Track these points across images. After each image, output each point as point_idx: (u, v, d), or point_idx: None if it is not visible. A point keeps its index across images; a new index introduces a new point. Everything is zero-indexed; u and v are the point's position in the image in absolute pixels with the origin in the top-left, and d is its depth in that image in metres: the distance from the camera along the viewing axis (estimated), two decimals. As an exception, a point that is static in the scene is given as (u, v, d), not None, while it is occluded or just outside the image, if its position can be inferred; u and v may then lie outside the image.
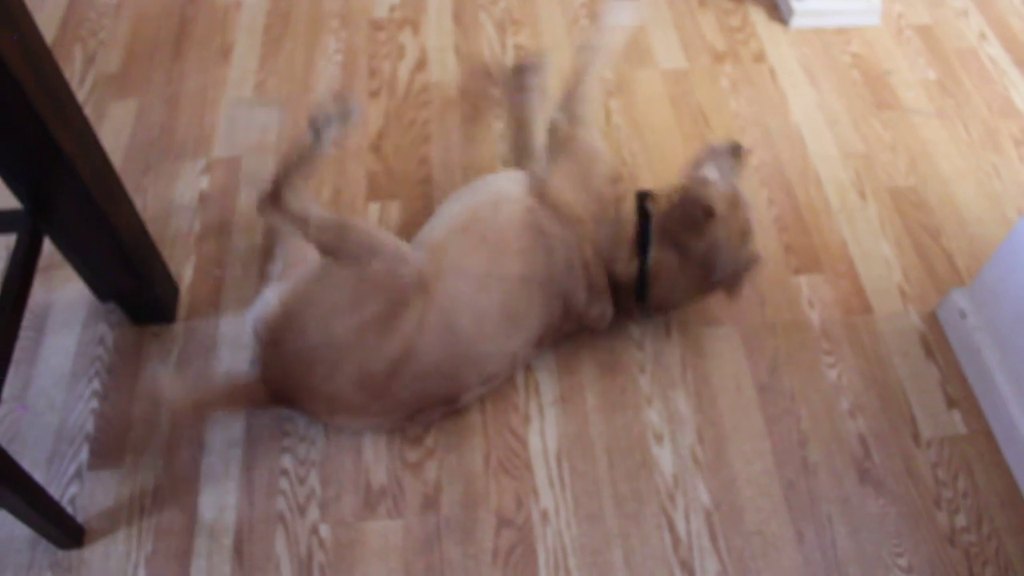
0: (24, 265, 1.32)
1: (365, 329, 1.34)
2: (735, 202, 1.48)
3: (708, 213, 1.43)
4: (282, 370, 1.37)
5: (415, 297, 1.36)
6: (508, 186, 1.50)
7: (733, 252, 1.47)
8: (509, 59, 2.08)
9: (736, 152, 1.54)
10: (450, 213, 1.49)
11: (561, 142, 1.57)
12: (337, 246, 1.35)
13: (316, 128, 1.40)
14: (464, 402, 1.47)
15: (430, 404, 1.43)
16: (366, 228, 1.39)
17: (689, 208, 1.45)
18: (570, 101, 1.62)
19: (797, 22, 2.18)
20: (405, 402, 1.40)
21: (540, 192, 1.49)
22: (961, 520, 1.43)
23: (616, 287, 1.51)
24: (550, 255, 1.44)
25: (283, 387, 1.39)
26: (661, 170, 1.87)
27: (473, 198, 1.49)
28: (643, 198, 1.51)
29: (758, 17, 2.22)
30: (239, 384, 1.46)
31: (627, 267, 1.49)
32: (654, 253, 1.47)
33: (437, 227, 1.47)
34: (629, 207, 1.51)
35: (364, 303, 1.34)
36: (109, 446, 1.47)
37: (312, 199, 1.40)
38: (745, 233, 1.49)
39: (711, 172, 1.52)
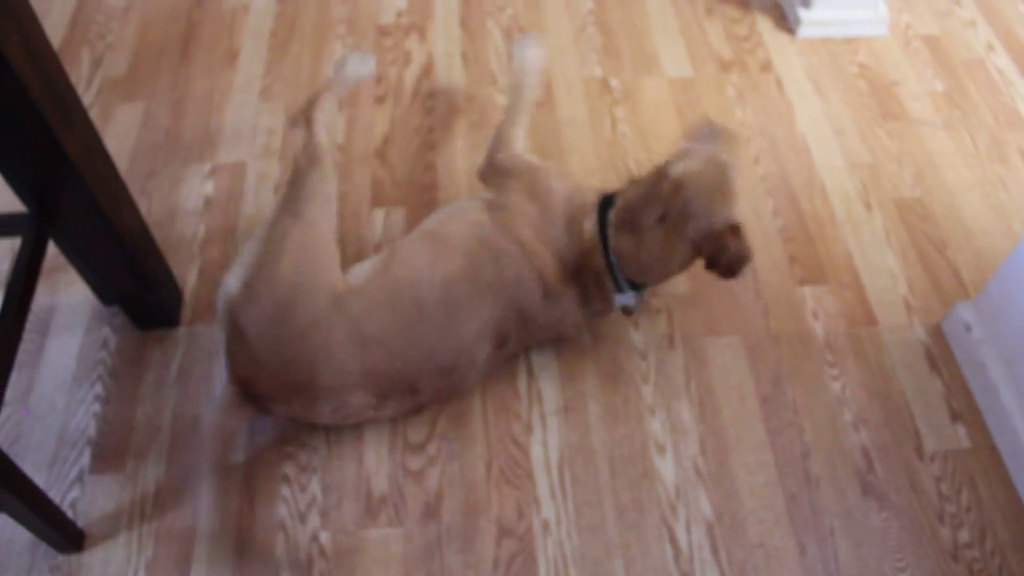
0: (28, 268, 1.32)
1: (303, 271, 1.38)
2: (712, 161, 1.43)
3: (673, 184, 1.38)
4: (245, 352, 1.35)
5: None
6: (462, 207, 1.53)
7: (706, 206, 1.38)
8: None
9: (719, 134, 1.51)
10: (419, 226, 1.54)
11: (498, 170, 1.58)
12: (299, 173, 1.51)
13: (342, 62, 1.76)
14: (426, 395, 1.44)
15: (389, 388, 1.39)
16: (323, 178, 1.52)
17: (653, 182, 1.41)
18: (495, 142, 1.64)
19: (804, 32, 2.18)
20: (356, 373, 1.36)
21: (490, 208, 1.49)
22: (964, 535, 1.42)
23: (590, 287, 1.48)
24: (497, 264, 1.43)
25: (248, 372, 1.36)
26: (666, 179, 1.86)
27: (437, 214, 1.55)
28: (605, 201, 1.48)
29: (765, 26, 2.21)
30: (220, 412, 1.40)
31: (594, 262, 1.46)
32: (612, 235, 1.44)
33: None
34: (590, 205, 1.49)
35: (297, 245, 1.41)
36: (111, 450, 1.47)
37: (330, 128, 1.66)
38: (723, 190, 1.41)
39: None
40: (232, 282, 1.39)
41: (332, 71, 1.69)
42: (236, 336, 1.36)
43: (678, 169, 1.41)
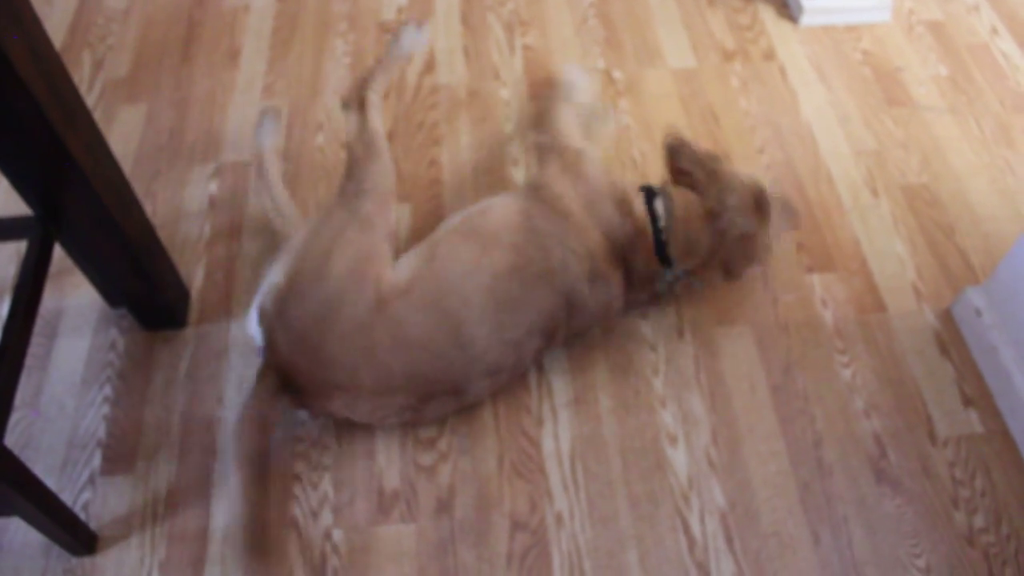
0: (35, 271, 1.32)
1: (354, 271, 1.37)
2: (758, 189, 1.54)
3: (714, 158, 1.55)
4: (287, 344, 1.34)
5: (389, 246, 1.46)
6: (500, 199, 1.53)
7: (742, 205, 1.51)
8: (518, 60, 2.07)
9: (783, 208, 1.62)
10: (447, 224, 1.52)
11: (545, 149, 1.59)
12: (357, 164, 1.50)
13: (397, 36, 1.73)
14: (472, 395, 1.44)
15: (432, 391, 1.39)
16: (382, 172, 1.50)
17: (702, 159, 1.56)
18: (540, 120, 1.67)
19: (807, 20, 2.17)
20: (399, 376, 1.35)
21: (533, 191, 1.50)
22: (979, 520, 1.41)
23: (636, 272, 1.51)
24: (545, 251, 1.42)
25: (288, 364, 1.35)
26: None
27: (468, 210, 1.53)
28: (647, 189, 1.56)
29: (767, 15, 2.21)
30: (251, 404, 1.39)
31: (644, 243, 1.50)
32: (666, 201, 1.53)
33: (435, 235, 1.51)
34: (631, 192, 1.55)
35: (350, 243, 1.40)
36: (121, 452, 1.47)
37: (380, 110, 1.63)
38: (760, 207, 1.53)
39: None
40: (277, 272, 1.38)
41: (388, 48, 1.71)
42: (281, 327, 1.35)
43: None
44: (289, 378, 1.36)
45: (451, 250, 1.43)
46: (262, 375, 1.37)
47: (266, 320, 1.37)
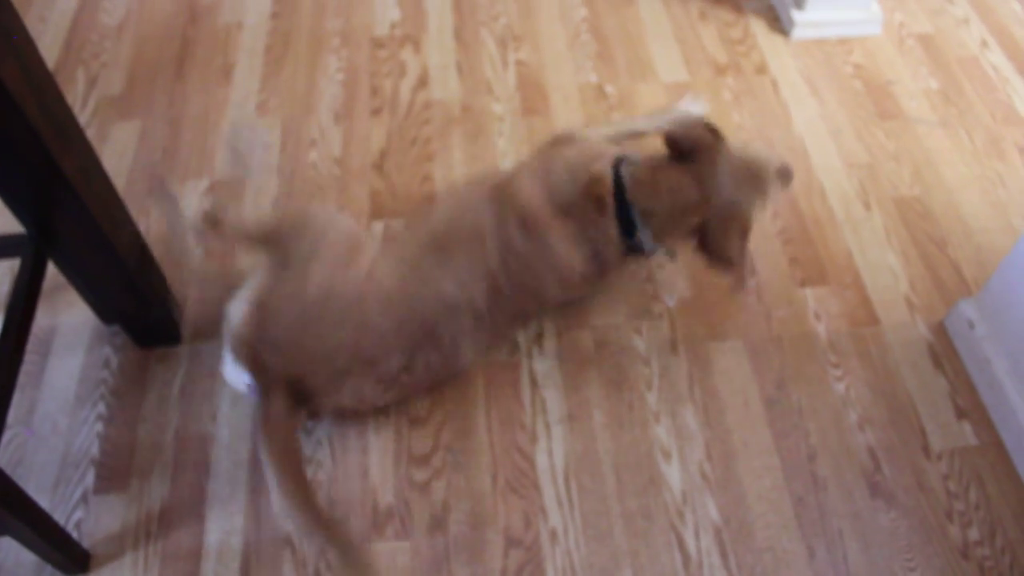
0: (28, 289, 1.32)
1: (332, 274, 1.41)
2: (766, 161, 1.51)
3: (712, 133, 1.47)
4: (281, 359, 1.36)
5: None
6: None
7: (734, 181, 1.46)
8: (511, 75, 2.08)
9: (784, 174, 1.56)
10: None
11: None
12: (278, 239, 1.46)
13: (234, 150, 1.66)
14: (447, 342, 1.44)
15: (415, 341, 1.41)
16: (294, 210, 1.55)
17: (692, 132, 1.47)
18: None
19: (798, 33, 2.18)
20: (391, 334, 1.39)
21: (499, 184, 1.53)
22: (974, 533, 1.41)
23: (588, 220, 1.47)
24: (475, 212, 1.48)
25: (290, 378, 1.36)
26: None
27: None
28: (619, 161, 1.51)
29: (759, 29, 2.22)
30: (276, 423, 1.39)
31: (598, 191, 1.47)
32: (630, 169, 1.48)
33: None
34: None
35: (323, 255, 1.43)
36: (115, 470, 1.47)
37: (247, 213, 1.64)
38: (757, 186, 1.49)
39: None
40: (239, 307, 1.39)
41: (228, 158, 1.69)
42: (269, 349, 1.36)
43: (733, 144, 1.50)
44: (296, 390, 1.37)
45: (433, 216, 1.53)
46: (268, 402, 1.36)
47: (249, 352, 1.37)
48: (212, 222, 1.53)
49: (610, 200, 1.45)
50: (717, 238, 1.46)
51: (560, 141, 1.63)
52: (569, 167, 1.50)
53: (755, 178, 1.48)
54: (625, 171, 1.47)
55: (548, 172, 1.50)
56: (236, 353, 1.38)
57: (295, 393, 1.37)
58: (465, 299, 1.43)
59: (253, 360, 1.37)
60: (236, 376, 1.40)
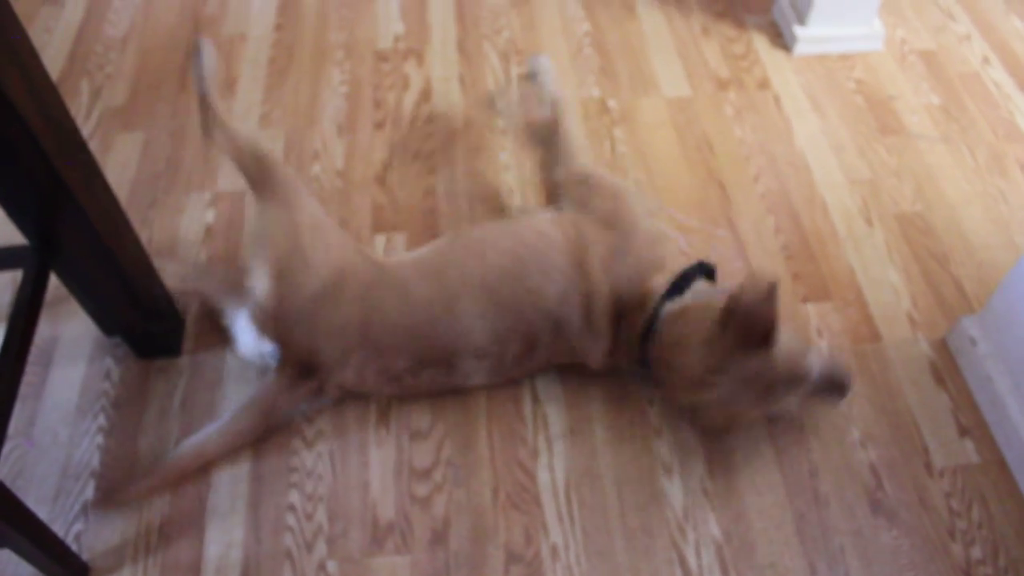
0: (31, 301, 1.32)
1: (347, 254, 1.46)
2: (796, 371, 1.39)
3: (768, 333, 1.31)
4: (295, 330, 1.43)
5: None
6: (542, 216, 1.56)
7: (755, 384, 1.36)
8: (513, 89, 2.08)
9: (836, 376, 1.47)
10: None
11: (580, 183, 1.60)
12: (264, 181, 1.49)
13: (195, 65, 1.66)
14: (460, 374, 1.48)
15: (428, 356, 1.45)
16: (285, 170, 1.53)
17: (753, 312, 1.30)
18: (563, 156, 1.66)
19: (800, 49, 2.19)
20: (402, 334, 1.43)
21: (563, 223, 1.51)
22: (977, 552, 1.41)
23: (622, 338, 1.49)
24: (545, 276, 1.45)
25: (304, 348, 1.43)
26: (666, 198, 1.87)
27: (505, 222, 1.62)
28: (682, 279, 1.47)
29: (761, 44, 2.22)
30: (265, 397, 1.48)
31: (638, 312, 1.47)
32: (672, 308, 1.43)
33: None
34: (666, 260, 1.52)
35: (304, 219, 1.46)
36: (115, 482, 1.46)
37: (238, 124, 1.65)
38: (773, 389, 1.38)
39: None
40: (260, 280, 1.44)
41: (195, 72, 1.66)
42: (290, 319, 1.42)
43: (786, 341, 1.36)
44: (313, 358, 1.44)
45: (466, 240, 1.52)
46: (280, 371, 1.46)
47: (269, 322, 1.44)
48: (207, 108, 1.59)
49: (642, 324, 1.45)
50: (708, 410, 1.45)
51: (608, 194, 1.57)
52: (637, 266, 1.48)
53: (776, 386, 1.37)
54: (666, 309, 1.43)
55: (620, 259, 1.47)
56: (258, 324, 1.44)
57: (304, 365, 1.45)
58: (494, 351, 1.46)
59: (275, 331, 1.44)
60: (253, 346, 1.48)
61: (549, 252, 1.46)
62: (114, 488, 1.45)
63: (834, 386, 1.45)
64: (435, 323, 1.43)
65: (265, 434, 1.49)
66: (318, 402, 1.54)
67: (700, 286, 1.48)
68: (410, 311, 1.43)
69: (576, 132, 1.71)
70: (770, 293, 1.27)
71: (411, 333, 1.43)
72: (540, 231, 1.50)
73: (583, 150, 1.70)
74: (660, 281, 1.47)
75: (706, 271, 1.52)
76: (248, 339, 1.49)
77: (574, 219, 1.52)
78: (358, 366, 1.45)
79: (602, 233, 1.49)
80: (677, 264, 1.53)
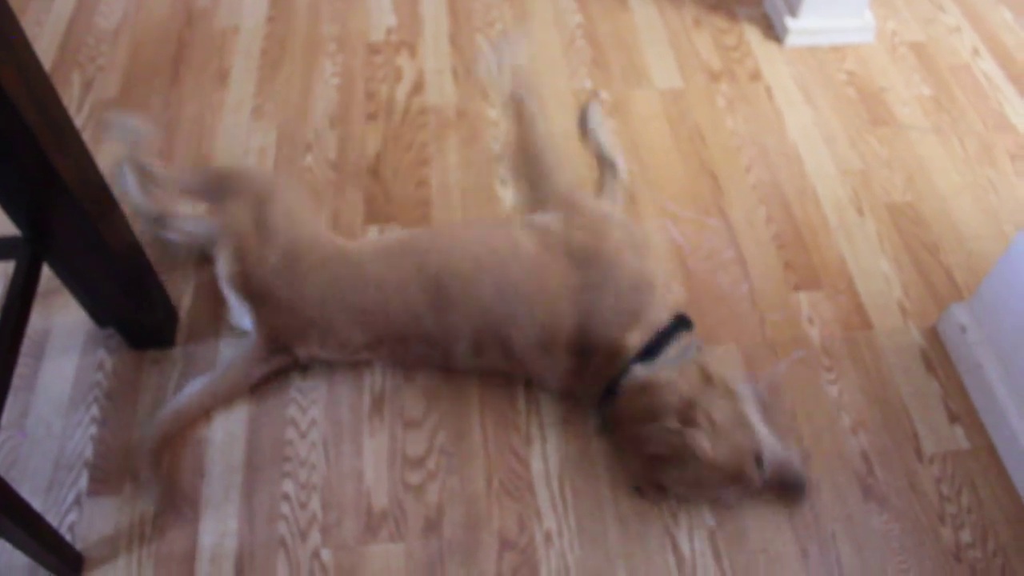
0: (23, 292, 1.32)
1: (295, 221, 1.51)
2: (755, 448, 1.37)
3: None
4: (261, 303, 1.48)
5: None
6: (521, 227, 1.51)
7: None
8: (506, 81, 2.08)
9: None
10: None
11: (567, 203, 1.55)
12: (216, 189, 1.58)
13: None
14: (413, 353, 1.51)
15: (384, 333, 1.48)
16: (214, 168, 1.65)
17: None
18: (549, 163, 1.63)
19: (792, 41, 2.19)
20: (358, 310, 1.46)
21: (543, 237, 1.47)
22: (966, 536, 1.42)
23: (588, 374, 1.45)
24: (500, 291, 1.43)
25: (274, 314, 1.48)
26: (659, 189, 1.87)
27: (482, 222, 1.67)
28: (659, 338, 1.43)
29: (753, 36, 2.23)
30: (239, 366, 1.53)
31: (605, 369, 1.43)
32: (642, 374, 1.39)
33: None
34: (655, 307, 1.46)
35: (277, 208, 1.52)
36: (108, 472, 1.46)
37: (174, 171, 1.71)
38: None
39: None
40: (224, 262, 1.50)
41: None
42: (259, 300, 1.48)
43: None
44: (278, 334, 1.49)
45: (442, 233, 1.57)
46: (253, 340, 1.51)
47: (246, 299, 1.50)
48: (144, 178, 1.63)
49: (606, 381, 1.43)
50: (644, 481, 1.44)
51: (591, 227, 1.50)
52: (615, 308, 1.42)
53: (711, 487, 1.38)
54: (632, 375, 1.39)
55: (595, 294, 1.42)
56: (237, 296, 1.51)
57: (275, 338, 1.50)
58: (441, 340, 1.47)
59: (251, 302, 1.49)
60: (244, 316, 1.54)
61: (513, 269, 1.44)
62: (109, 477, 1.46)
63: (787, 491, 1.42)
64: (386, 303, 1.46)
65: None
66: (296, 366, 1.58)
67: (678, 346, 1.44)
68: (363, 288, 1.46)
69: (554, 143, 1.66)
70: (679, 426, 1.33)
71: (363, 309, 1.46)
72: (515, 243, 1.46)
73: (565, 164, 1.64)
74: (635, 338, 1.42)
75: (684, 324, 1.47)
76: (240, 310, 1.55)
77: (558, 240, 1.47)
78: (319, 340, 1.49)
79: (576, 262, 1.44)
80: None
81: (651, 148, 1.96)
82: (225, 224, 1.52)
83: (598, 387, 1.44)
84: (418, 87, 2.07)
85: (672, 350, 1.43)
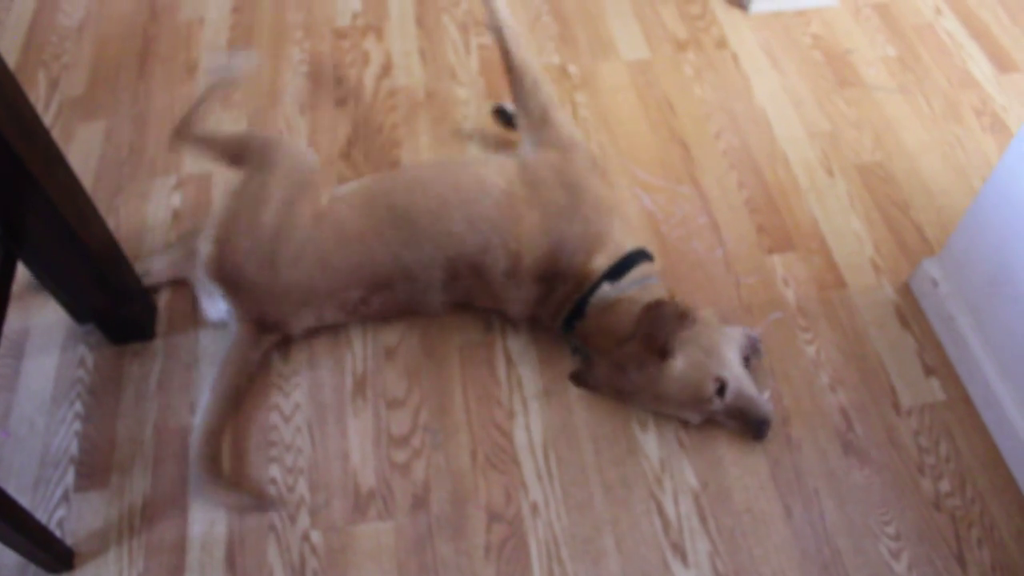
0: (-2, 291, 1.32)
1: (286, 211, 1.49)
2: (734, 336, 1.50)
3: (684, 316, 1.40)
4: (248, 283, 1.47)
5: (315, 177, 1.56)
6: (505, 161, 1.59)
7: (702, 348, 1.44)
8: (474, 60, 2.09)
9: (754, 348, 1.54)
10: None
11: (537, 127, 1.64)
12: (242, 155, 1.56)
13: (214, 72, 1.75)
14: (403, 294, 1.53)
15: (372, 283, 1.51)
16: (263, 135, 1.63)
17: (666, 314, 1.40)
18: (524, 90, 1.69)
19: (756, 7, 2.20)
20: (344, 272, 1.49)
21: (519, 170, 1.55)
22: (945, 485, 1.45)
23: (551, 300, 1.52)
24: (473, 226, 1.48)
25: (261, 309, 1.49)
26: (630, 160, 1.88)
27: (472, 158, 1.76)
28: (625, 261, 1.50)
29: (717, 4, 2.24)
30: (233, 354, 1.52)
31: (570, 289, 1.50)
32: (611, 292, 1.48)
33: None
34: (617, 235, 1.52)
35: (275, 193, 1.50)
36: (95, 467, 1.47)
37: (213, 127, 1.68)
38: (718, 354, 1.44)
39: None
40: (204, 246, 1.50)
41: (212, 77, 1.73)
42: (234, 287, 1.48)
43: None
44: (264, 317, 1.50)
45: (409, 174, 1.58)
46: (239, 329, 1.50)
47: (220, 283, 1.49)
48: (184, 126, 1.61)
49: (574, 301, 1.49)
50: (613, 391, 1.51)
51: (561, 145, 1.60)
52: (583, 232, 1.49)
53: (667, 399, 1.45)
54: (600, 293, 1.47)
55: (564, 222, 1.49)
56: (210, 283, 1.50)
57: (262, 322, 1.50)
58: (423, 276, 1.51)
59: (225, 288, 1.49)
60: (214, 308, 1.55)
61: (481, 202, 1.50)
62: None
63: (747, 425, 1.46)
64: (371, 252, 1.49)
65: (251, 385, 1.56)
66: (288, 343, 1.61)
67: (640, 272, 1.51)
68: (348, 247, 1.48)
69: (532, 62, 1.70)
70: (679, 316, 1.38)
71: (353, 266, 1.49)
72: (481, 179, 1.53)
73: (544, 81, 1.69)
74: (601, 260, 1.48)
75: (645, 255, 1.54)
76: (206, 300, 1.57)
77: (527, 170, 1.55)
78: (316, 310, 1.53)
79: (551, 191, 1.51)
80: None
81: (620, 119, 1.97)
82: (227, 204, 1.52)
83: (566, 308, 1.50)
84: (386, 70, 2.07)
85: (635, 274, 1.50)
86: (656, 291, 1.50)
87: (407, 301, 1.56)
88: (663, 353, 1.40)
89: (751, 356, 1.52)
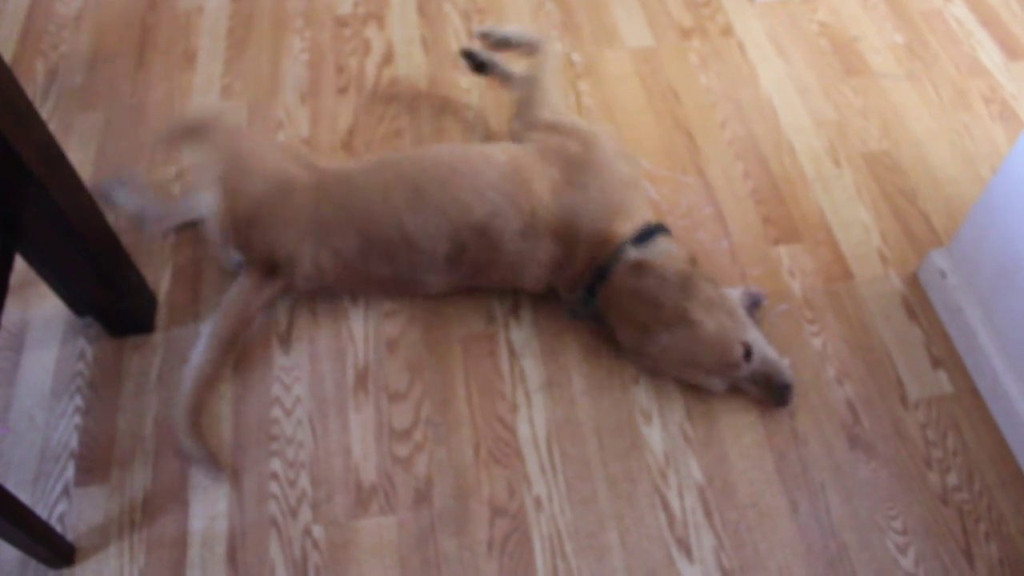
0: (-4, 284, 1.30)
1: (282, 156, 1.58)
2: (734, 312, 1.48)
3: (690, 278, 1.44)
4: (251, 231, 1.52)
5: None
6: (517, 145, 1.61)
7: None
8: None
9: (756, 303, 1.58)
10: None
11: (549, 127, 1.63)
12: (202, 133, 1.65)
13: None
14: (404, 264, 1.52)
15: (373, 239, 1.50)
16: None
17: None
18: (533, 101, 1.69)
19: (762, -6, 2.18)
20: (346, 224, 1.50)
21: (519, 153, 1.55)
22: (952, 479, 1.43)
23: (568, 266, 1.52)
24: (478, 193, 1.48)
25: (259, 246, 1.52)
26: (635, 149, 1.86)
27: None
28: (646, 231, 1.51)
29: (723, -9, 2.21)
30: (236, 300, 1.54)
31: (596, 250, 1.49)
32: (637, 254, 1.47)
33: None
34: (638, 209, 1.54)
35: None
36: (95, 462, 1.46)
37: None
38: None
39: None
40: (210, 199, 1.55)
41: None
42: (242, 228, 1.53)
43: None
44: (268, 260, 1.53)
45: (415, 152, 1.64)
46: (244, 273, 1.54)
47: (227, 228, 1.54)
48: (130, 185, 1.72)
49: (599, 262, 1.48)
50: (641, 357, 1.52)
51: (580, 139, 1.59)
52: (603, 202, 1.50)
53: (697, 364, 1.46)
54: (627, 255, 1.47)
55: (580, 188, 1.50)
56: (220, 231, 1.55)
57: (267, 264, 1.53)
58: (428, 248, 1.50)
59: (233, 235, 1.54)
60: (229, 258, 1.61)
61: (488, 172, 1.50)
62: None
63: (770, 390, 1.47)
64: (372, 206, 1.50)
65: (245, 338, 1.58)
66: (289, 297, 1.63)
67: (662, 244, 1.50)
68: (352, 194, 1.51)
69: (554, 81, 1.73)
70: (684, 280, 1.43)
71: (354, 214, 1.50)
72: (487, 155, 1.54)
73: (559, 100, 1.73)
74: (626, 227, 1.49)
75: (664, 229, 1.54)
76: (224, 250, 1.60)
77: (530, 150, 1.56)
78: (312, 253, 1.52)
79: (559, 164, 1.52)
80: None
81: (625, 108, 1.95)
82: (212, 166, 1.58)
83: (587, 273, 1.49)
84: (388, 58, 2.05)
85: (660, 244, 1.50)
86: (680, 260, 1.48)
87: (408, 277, 1.54)
88: (681, 318, 1.42)
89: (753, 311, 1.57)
